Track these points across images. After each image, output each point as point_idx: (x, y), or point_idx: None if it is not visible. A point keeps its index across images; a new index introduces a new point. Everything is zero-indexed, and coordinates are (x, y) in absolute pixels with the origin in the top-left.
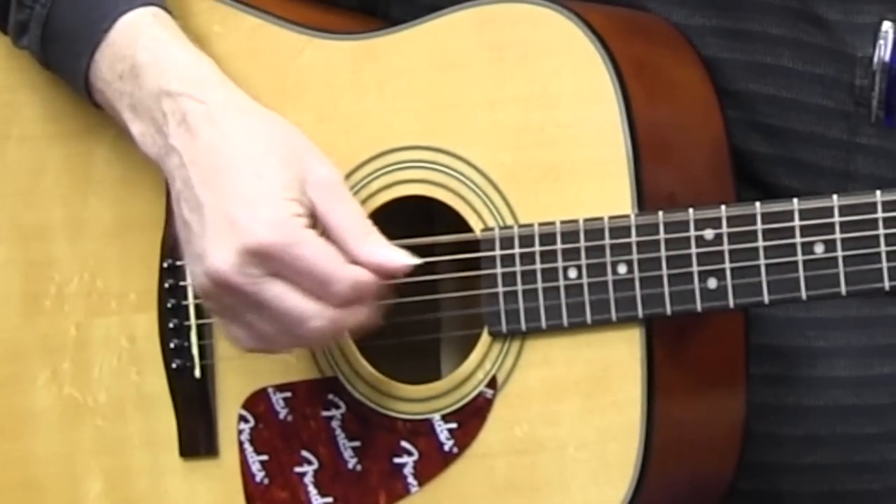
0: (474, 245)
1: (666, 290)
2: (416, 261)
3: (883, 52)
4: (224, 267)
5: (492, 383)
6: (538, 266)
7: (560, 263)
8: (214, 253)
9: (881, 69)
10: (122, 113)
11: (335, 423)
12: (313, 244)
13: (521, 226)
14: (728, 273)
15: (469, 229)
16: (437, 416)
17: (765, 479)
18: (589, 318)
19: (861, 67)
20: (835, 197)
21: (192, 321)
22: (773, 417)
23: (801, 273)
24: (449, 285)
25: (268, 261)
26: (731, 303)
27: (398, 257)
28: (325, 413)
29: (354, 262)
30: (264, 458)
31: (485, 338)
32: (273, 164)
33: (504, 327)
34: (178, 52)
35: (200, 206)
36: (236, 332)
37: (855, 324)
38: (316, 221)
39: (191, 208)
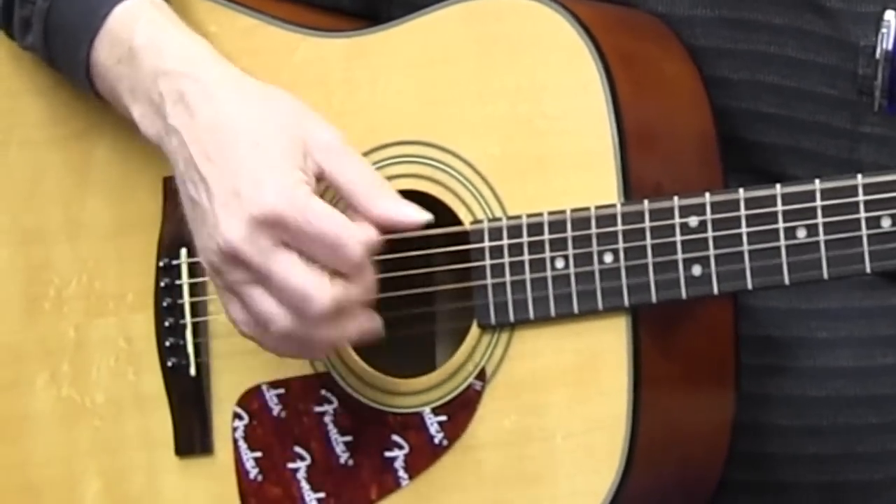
0: (461, 238)
1: (651, 278)
2: (429, 216)
3: (886, 41)
4: (234, 238)
5: (481, 375)
6: (526, 257)
7: (547, 254)
8: (224, 225)
9: (884, 58)
10: (122, 97)
11: (327, 419)
12: (321, 209)
13: (509, 217)
14: (712, 260)
15: (459, 222)
16: (427, 410)
17: (766, 469)
18: (576, 308)
19: (864, 56)
20: (817, 181)
21: (188, 319)
22: (775, 408)
23: (784, 258)
24: (442, 278)
25: (277, 229)
26: (716, 289)
27: (413, 212)
28: (317, 409)
29: (369, 219)
30: (258, 454)
31: (474, 330)
32: (270, 132)
33: (493, 319)
34: (173, 34)
35: (204, 181)
36: (237, 312)
37: (857, 314)
38: (324, 186)
39: (195, 185)
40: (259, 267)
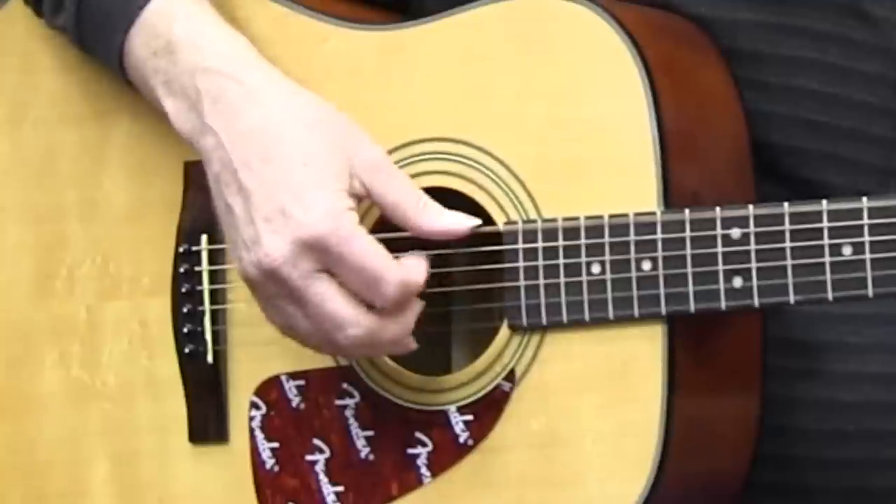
0: (493, 238)
1: (690, 288)
2: (477, 221)
3: None
4: (277, 258)
5: (510, 376)
6: (561, 261)
7: (583, 259)
8: (267, 242)
9: None
10: (156, 90)
11: (348, 412)
12: (366, 242)
13: (544, 220)
14: (754, 273)
15: (491, 222)
16: (452, 408)
17: (793, 472)
18: (611, 314)
19: None
20: (864, 199)
21: (207, 306)
22: (804, 411)
23: (829, 275)
24: (462, 277)
25: (321, 254)
26: (756, 302)
27: (460, 221)
28: (338, 402)
29: (418, 234)
30: (275, 445)
31: (504, 331)
32: (320, 151)
33: (524, 321)
34: (213, 30)
35: (246, 192)
36: (274, 318)
37: (888, 320)
38: (367, 204)
39: (233, 193)
40: (296, 289)
